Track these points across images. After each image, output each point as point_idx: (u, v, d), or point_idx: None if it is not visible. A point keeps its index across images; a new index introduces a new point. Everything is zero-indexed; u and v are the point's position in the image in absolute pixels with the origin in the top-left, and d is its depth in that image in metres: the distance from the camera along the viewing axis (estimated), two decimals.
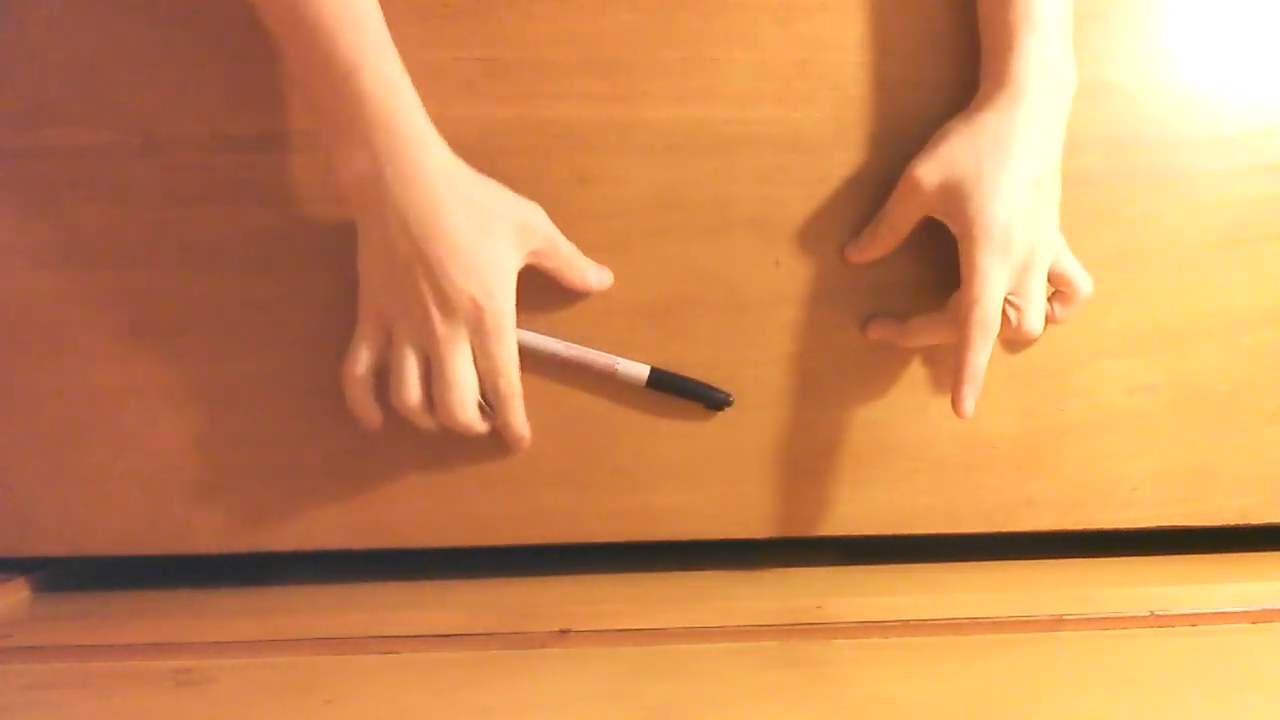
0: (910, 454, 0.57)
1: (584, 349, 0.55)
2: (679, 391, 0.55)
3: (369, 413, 0.53)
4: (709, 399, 0.55)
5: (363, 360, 0.51)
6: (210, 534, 0.56)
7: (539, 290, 0.55)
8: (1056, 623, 0.51)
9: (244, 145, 0.55)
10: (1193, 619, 0.51)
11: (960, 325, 0.50)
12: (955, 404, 0.51)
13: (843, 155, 0.56)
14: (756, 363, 0.56)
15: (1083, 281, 0.54)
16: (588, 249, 0.55)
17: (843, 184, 0.56)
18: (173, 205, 0.55)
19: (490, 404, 0.52)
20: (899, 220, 0.53)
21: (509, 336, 0.50)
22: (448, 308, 0.48)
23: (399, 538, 0.56)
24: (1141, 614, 0.51)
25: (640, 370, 0.55)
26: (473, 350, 0.50)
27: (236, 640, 0.51)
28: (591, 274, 0.54)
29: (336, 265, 0.55)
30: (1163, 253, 0.57)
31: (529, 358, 0.55)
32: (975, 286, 0.49)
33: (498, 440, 0.56)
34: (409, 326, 0.49)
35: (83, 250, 0.55)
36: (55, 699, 0.47)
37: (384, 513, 0.56)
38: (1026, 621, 0.51)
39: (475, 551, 0.57)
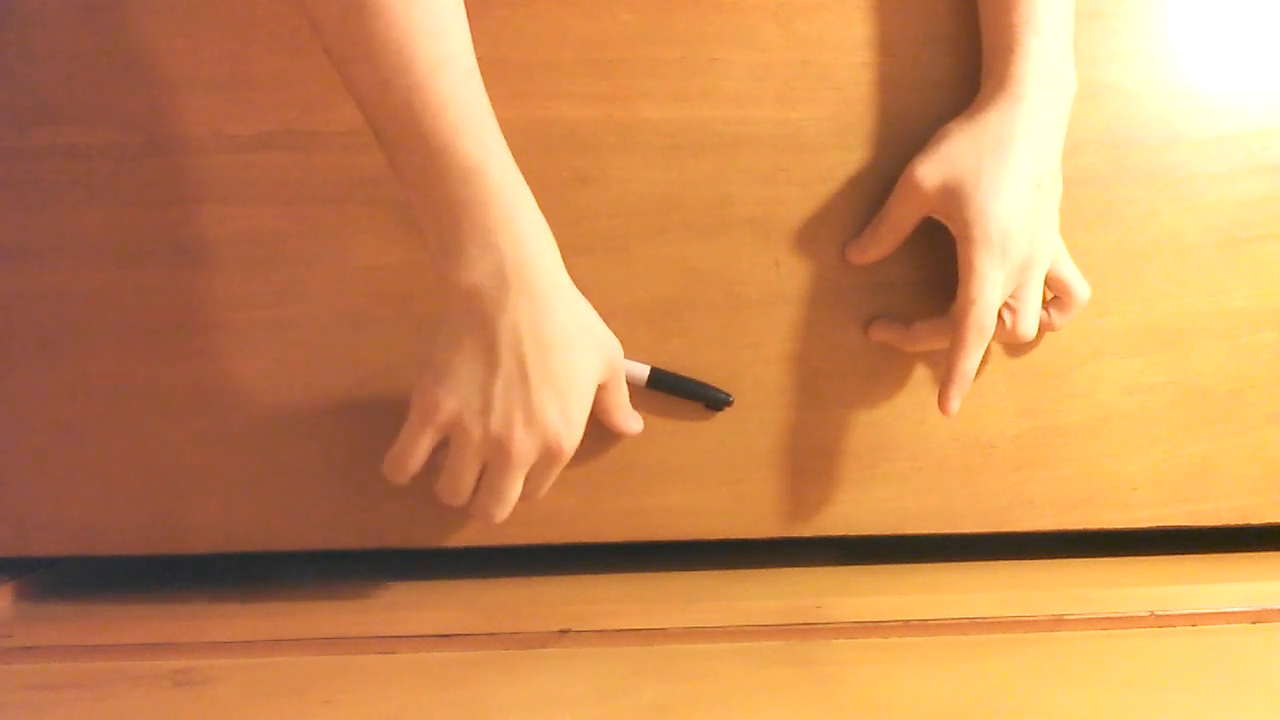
0: (910, 454, 0.57)
1: None
2: (679, 391, 0.55)
3: (401, 483, 0.51)
4: (709, 399, 0.55)
5: (419, 456, 0.48)
6: (210, 534, 0.56)
7: None
8: (1056, 623, 0.51)
9: (244, 145, 0.55)
10: (1193, 619, 0.51)
11: (955, 326, 0.50)
12: (941, 402, 0.51)
13: (843, 155, 0.56)
14: (756, 363, 0.56)
15: (1080, 288, 0.54)
16: (588, 249, 0.55)
17: (843, 184, 0.56)
18: (173, 205, 0.55)
19: None
20: (899, 220, 0.53)
21: (565, 464, 0.49)
22: (532, 430, 0.46)
23: (399, 538, 0.56)
24: (1141, 614, 0.51)
25: (640, 370, 0.55)
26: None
27: (236, 640, 0.51)
28: (634, 423, 0.54)
29: (336, 265, 0.55)
30: (1162, 253, 0.57)
31: None
32: (972, 288, 0.49)
33: None
34: (484, 437, 0.46)
35: (83, 250, 0.55)
36: (55, 699, 0.47)
37: (384, 513, 0.56)
38: (1026, 621, 0.51)
39: (475, 551, 0.57)
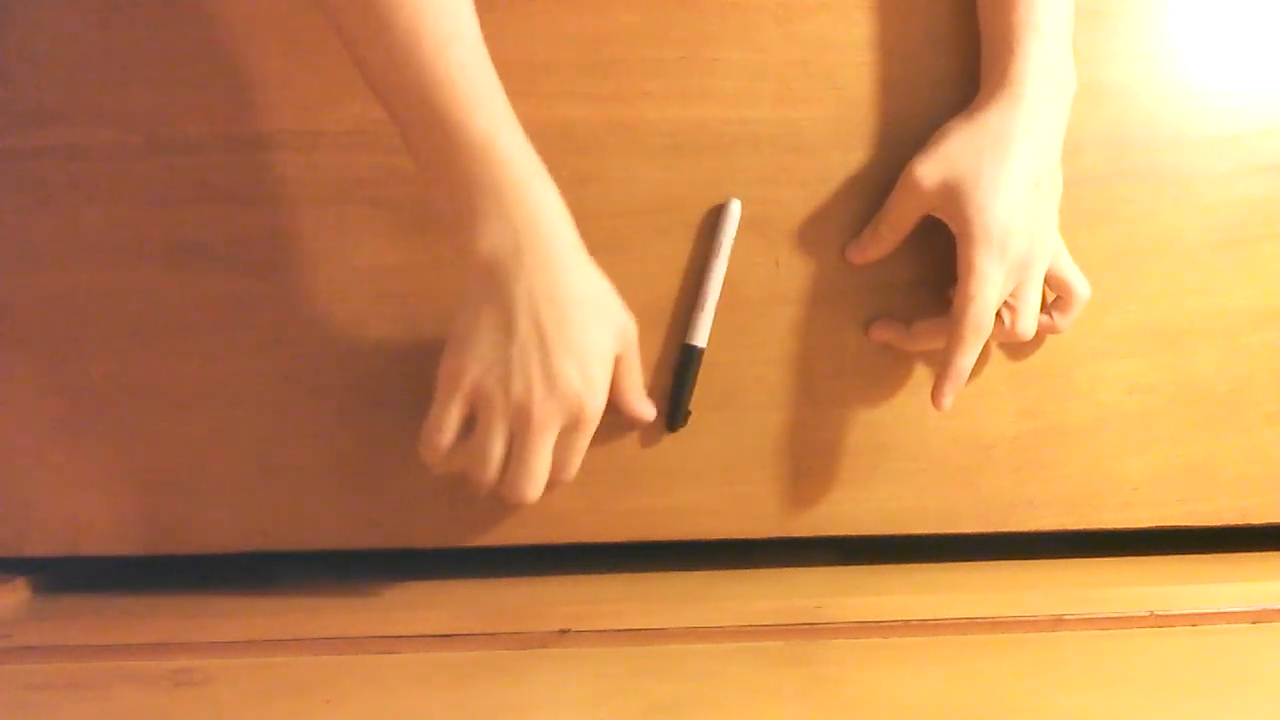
0: (910, 454, 0.57)
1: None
2: (677, 385, 0.55)
3: (440, 469, 0.50)
4: (676, 411, 0.55)
5: (449, 429, 0.48)
6: (210, 534, 0.56)
7: None
8: (1056, 623, 0.51)
9: (244, 145, 0.55)
10: (1193, 619, 0.51)
11: (953, 323, 0.50)
12: (935, 398, 0.52)
13: (843, 155, 0.56)
14: (756, 363, 0.56)
15: (1080, 286, 0.54)
16: (588, 249, 0.55)
17: (843, 184, 0.56)
18: (173, 205, 0.55)
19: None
20: (899, 219, 0.53)
21: (592, 432, 0.49)
22: (553, 395, 0.47)
23: (399, 538, 0.56)
24: (1141, 614, 0.51)
25: (698, 339, 0.55)
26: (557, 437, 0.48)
27: (236, 640, 0.51)
28: (646, 408, 0.54)
29: (336, 265, 0.55)
30: (1162, 253, 0.57)
31: None
32: (971, 286, 0.49)
33: None
34: (505, 403, 0.47)
35: (83, 250, 0.55)
36: (55, 699, 0.47)
37: (384, 513, 0.56)
38: (1026, 621, 0.51)
39: (475, 551, 0.57)
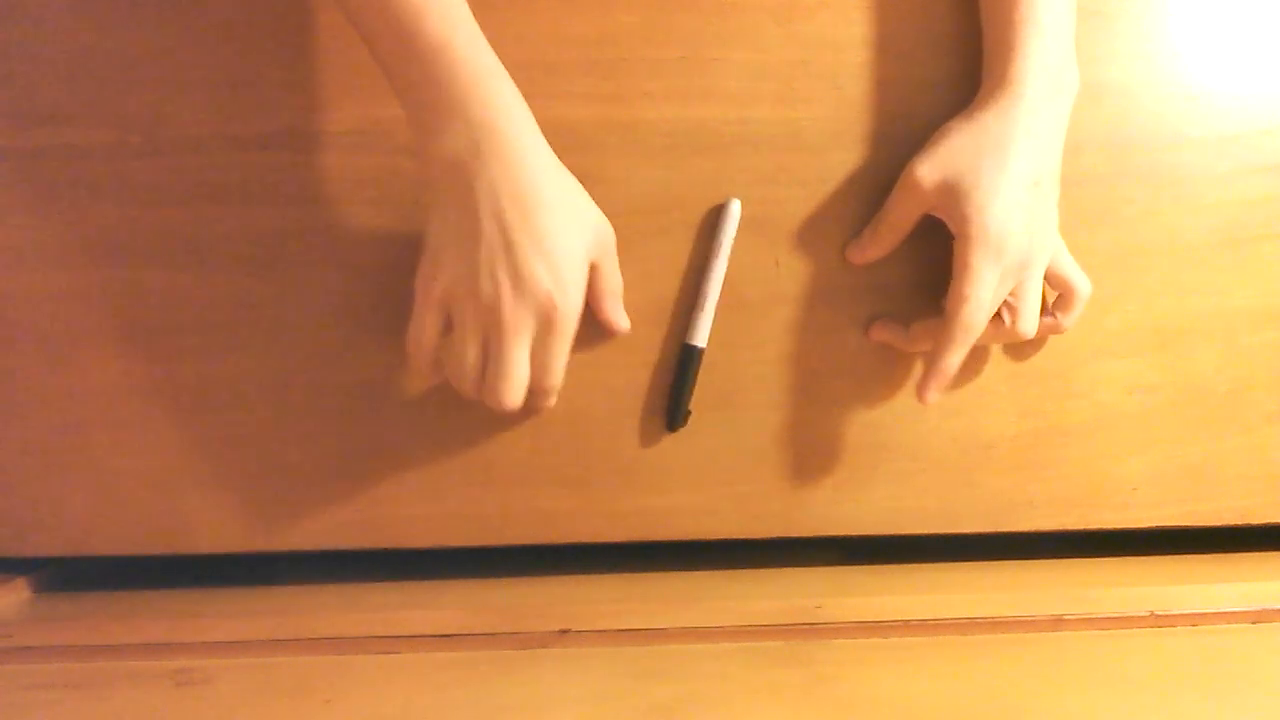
0: (910, 454, 0.57)
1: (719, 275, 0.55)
2: (677, 385, 0.55)
3: (429, 378, 0.51)
4: (676, 410, 0.55)
5: (427, 338, 0.49)
6: (210, 534, 0.56)
7: None
8: (1056, 623, 0.51)
9: (244, 145, 0.55)
10: (1193, 619, 0.51)
11: (946, 322, 0.50)
12: (920, 393, 0.52)
13: (843, 155, 0.56)
14: (756, 363, 0.56)
15: (1081, 284, 0.54)
16: None
17: (843, 184, 0.56)
18: (173, 205, 0.55)
19: (530, 391, 0.50)
20: (898, 219, 0.53)
21: (570, 335, 0.49)
22: (523, 295, 0.46)
23: (399, 538, 0.56)
24: (1141, 614, 0.51)
25: (697, 339, 0.55)
26: (532, 340, 0.48)
27: (236, 640, 0.51)
28: (622, 316, 0.54)
29: (336, 265, 0.55)
30: (1162, 253, 0.57)
31: None
32: (965, 285, 0.49)
33: (498, 440, 0.56)
34: (476, 307, 0.47)
35: (83, 250, 0.55)
36: (55, 699, 0.47)
37: (384, 513, 0.56)
38: (1026, 621, 0.51)
39: (475, 551, 0.57)
